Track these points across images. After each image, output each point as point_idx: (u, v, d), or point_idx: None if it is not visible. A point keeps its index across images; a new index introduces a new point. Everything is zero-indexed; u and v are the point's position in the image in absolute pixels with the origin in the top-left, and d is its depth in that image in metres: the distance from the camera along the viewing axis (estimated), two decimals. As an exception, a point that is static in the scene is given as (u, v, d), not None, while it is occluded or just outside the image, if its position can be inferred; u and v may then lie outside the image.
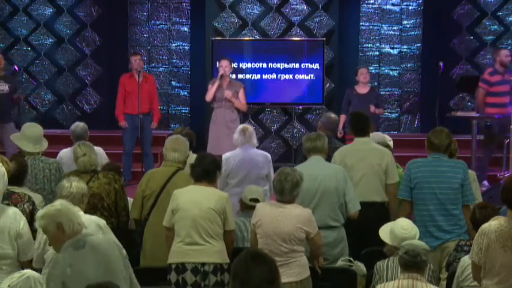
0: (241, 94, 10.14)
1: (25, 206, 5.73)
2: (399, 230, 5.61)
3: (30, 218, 5.60)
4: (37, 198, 6.10)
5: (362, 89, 10.85)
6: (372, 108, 10.43)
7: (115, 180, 6.54)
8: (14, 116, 10.76)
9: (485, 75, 10.60)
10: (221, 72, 10.09)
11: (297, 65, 12.01)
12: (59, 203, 4.69)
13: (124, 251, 4.78)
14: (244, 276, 3.48)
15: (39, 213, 4.69)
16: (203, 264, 5.64)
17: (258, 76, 12.05)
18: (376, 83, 12.86)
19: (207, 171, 5.84)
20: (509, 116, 10.02)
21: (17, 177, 5.92)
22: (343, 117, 10.79)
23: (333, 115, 8.13)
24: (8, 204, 5.44)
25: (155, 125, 10.89)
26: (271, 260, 3.57)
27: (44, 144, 7.07)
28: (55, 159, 7.23)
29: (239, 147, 7.70)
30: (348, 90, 11.00)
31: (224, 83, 10.11)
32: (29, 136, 7.01)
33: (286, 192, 5.61)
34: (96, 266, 4.44)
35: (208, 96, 10.17)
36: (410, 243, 4.98)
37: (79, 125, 7.89)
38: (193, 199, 5.72)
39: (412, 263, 4.85)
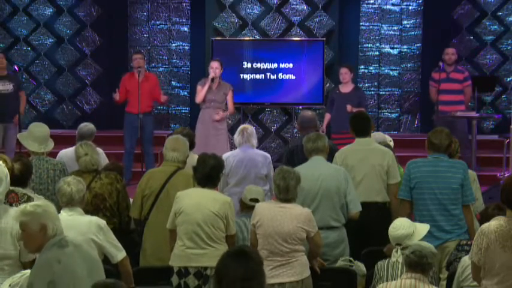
0: (229, 97, 10.09)
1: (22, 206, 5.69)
2: (389, 228, 5.63)
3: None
4: (39, 200, 6.06)
5: (345, 88, 10.82)
6: (349, 107, 10.30)
7: (117, 180, 6.55)
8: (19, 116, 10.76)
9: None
10: (212, 74, 10.04)
11: (297, 65, 12.00)
12: (44, 203, 4.50)
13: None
14: (220, 272, 3.43)
15: (21, 208, 4.43)
16: (205, 268, 5.66)
17: (258, 76, 12.04)
18: (376, 83, 12.86)
19: (209, 176, 5.83)
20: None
21: (21, 178, 5.87)
22: (327, 116, 10.84)
23: (309, 112, 7.95)
24: (5, 203, 5.43)
25: (165, 98, 11.16)
26: (252, 257, 3.46)
27: (50, 145, 7.05)
28: (60, 160, 7.22)
29: (238, 147, 7.72)
30: (332, 90, 11.04)
31: (214, 84, 10.08)
32: (35, 136, 6.99)
33: (292, 188, 5.61)
34: (82, 264, 4.36)
35: (198, 99, 10.10)
36: (419, 244, 4.99)
37: (86, 126, 7.80)
38: (196, 202, 5.72)
39: (416, 264, 4.86)
